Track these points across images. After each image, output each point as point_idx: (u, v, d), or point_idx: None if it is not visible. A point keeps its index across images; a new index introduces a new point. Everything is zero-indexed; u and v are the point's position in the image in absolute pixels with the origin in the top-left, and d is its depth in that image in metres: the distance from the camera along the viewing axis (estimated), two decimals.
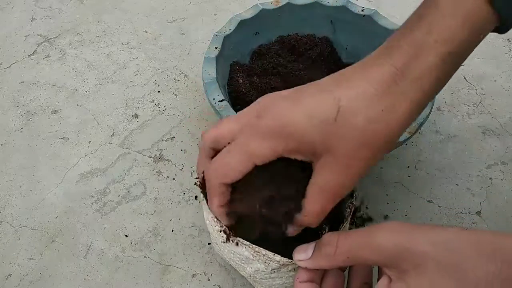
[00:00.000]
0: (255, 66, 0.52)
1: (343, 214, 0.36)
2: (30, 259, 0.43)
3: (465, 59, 0.29)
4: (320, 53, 0.54)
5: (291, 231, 0.30)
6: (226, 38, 0.50)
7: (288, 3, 0.54)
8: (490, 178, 0.48)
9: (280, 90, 0.50)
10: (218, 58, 0.48)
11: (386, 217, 0.45)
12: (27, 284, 0.42)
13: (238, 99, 0.50)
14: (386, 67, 0.27)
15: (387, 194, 0.47)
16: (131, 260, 0.43)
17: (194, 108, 0.55)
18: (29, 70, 0.60)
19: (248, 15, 0.52)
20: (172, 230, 0.45)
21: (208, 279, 0.42)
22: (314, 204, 0.29)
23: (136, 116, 0.55)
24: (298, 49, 0.54)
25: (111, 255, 0.43)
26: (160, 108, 0.55)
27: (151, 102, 0.56)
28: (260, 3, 0.53)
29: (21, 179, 0.49)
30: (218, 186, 0.29)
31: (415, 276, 0.25)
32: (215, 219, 0.32)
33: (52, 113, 0.55)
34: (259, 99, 0.30)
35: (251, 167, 0.28)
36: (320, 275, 0.31)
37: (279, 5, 0.53)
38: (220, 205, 0.30)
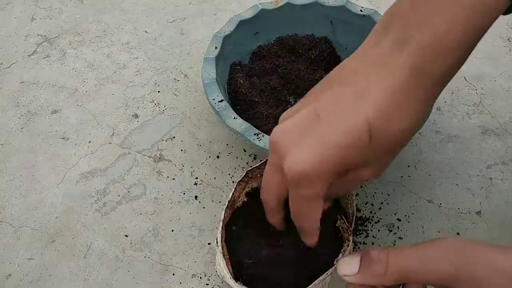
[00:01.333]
0: (255, 67, 0.53)
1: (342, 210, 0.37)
2: (30, 259, 0.43)
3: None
4: (319, 53, 0.54)
5: None
6: (226, 38, 0.50)
7: (287, 3, 0.54)
8: (490, 178, 0.48)
9: (280, 90, 0.51)
10: (218, 58, 0.48)
11: (386, 217, 0.45)
12: (27, 284, 0.42)
13: (238, 99, 0.50)
14: (403, 65, 0.26)
15: (388, 194, 0.47)
16: (131, 260, 0.43)
17: (194, 108, 0.55)
18: (29, 70, 0.60)
19: (247, 15, 0.52)
20: (172, 230, 0.45)
21: (208, 279, 0.42)
22: (344, 190, 0.31)
23: (136, 116, 0.55)
24: (298, 50, 0.54)
25: (111, 255, 0.43)
26: (160, 108, 0.55)
27: (151, 102, 0.56)
28: (259, 3, 0.53)
29: (21, 179, 0.49)
30: (313, 227, 0.31)
31: None
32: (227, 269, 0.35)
33: (52, 113, 0.55)
34: (273, 142, 0.29)
35: (322, 201, 0.29)
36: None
37: (278, 5, 0.53)
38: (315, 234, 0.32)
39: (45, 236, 0.45)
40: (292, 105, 0.44)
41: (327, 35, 0.55)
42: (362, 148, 0.26)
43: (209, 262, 0.43)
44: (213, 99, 0.44)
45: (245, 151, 0.50)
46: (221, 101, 0.44)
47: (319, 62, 0.54)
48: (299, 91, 0.51)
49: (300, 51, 0.54)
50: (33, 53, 0.62)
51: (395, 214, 0.46)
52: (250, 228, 0.39)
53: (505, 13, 0.27)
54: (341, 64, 0.29)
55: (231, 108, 0.43)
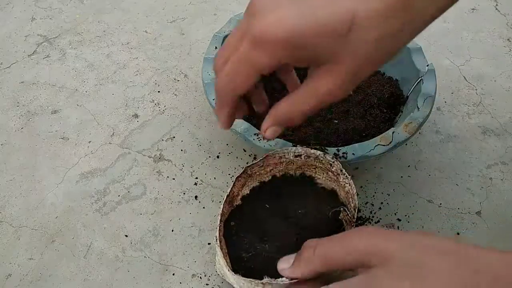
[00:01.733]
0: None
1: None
2: (30, 259, 0.43)
3: None
4: None
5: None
6: (226, 38, 0.50)
7: None
8: (490, 178, 0.48)
9: (279, 90, 0.51)
10: None
11: (386, 217, 0.45)
12: (27, 284, 0.42)
13: None
14: None
15: (388, 194, 0.47)
16: (131, 260, 0.43)
17: (194, 108, 0.55)
18: (29, 70, 0.60)
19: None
20: (172, 230, 0.45)
21: (208, 279, 0.42)
22: (304, 103, 0.29)
23: (136, 116, 0.55)
24: None
25: (111, 255, 0.43)
26: (160, 108, 0.55)
27: (151, 102, 0.56)
28: None
29: (21, 179, 0.49)
30: (230, 98, 0.30)
31: (380, 268, 0.26)
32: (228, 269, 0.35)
33: (52, 113, 0.55)
34: (251, 3, 0.27)
35: (257, 79, 0.28)
36: None
37: None
38: (230, 115, 0.31)
39: (45, 236, 0.45)
40: None
41: None
42: (337, 35, 0.26)
43: (209, 262, 0.43)
44: (213, 99, 0.44)
45: (245, 151, 0.50)
46: None
47: None
48: None
49: None
50: (33, 53, 0.62)
51: (395, 214, 0.46)
52: (249, 224, 0.39)
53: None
54: None
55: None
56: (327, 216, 0.38)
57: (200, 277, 0.42)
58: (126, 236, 0.44)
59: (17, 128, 0.54)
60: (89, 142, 0.52)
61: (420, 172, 0.49)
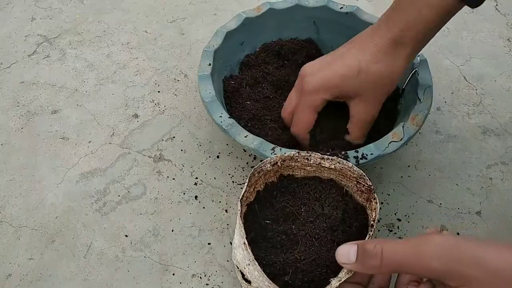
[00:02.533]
0: (246, 77, 0.52)
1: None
2: (30, 259, 0.43)
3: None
4: (306, 56, 0.54)
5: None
6: (216, 52, 0.49)
7: (269, 8, 0.53)
8: (490, 178, 0.48)
9: (272, 98, 0.52)
10: (212, 74, 0.47)
11: (386, 217, 0.45)
12: (27, 284, 0.42)
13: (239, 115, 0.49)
14: (387, 34, 0.39)
15: (388, 194, 0.47)
16: (131, 260, 0.43)
17: (194, 108, 0.55)
18: (29, 70, 0.60)
19: (233, 25, 0.52)
20: (172, 230, 0.45)
21: (208, 279, 0.42)
22: (357, 131, 0.44)
23: (136, 116, 0.55)
24: (284, 55, 0.54)
25: (111, 255, 0.43)
26: (160, 108, 0.55)
27: (151, 102, 0.56)
28: (242, 12, 0.53)
29: (21, 179, 0.49)
30: (304, 132, 0.44)
31: None
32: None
33: (52, 113, 0.55)
34: (301, 72, 0.44)
35: (316, 115, 0.43)
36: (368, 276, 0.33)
37: (261, 12, 0.53)
38: (307, 139, 0.44)
39: (45, 236, 0.45)
40: None
41: (311, 36, 0.56)
42: (352, 78, 0.40)
43: (209, 262, 0.43)
44: (220, 116, 0.44)
45: (245, 151, 0.50)
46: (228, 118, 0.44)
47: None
48: None
49: (286, 55, 0.54)
50: (33, 53, 0.62)
51: (395, 214, 0.46)
52: (268, 213, 0.39)
53: (472, 6, 0.38)
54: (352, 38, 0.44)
55: (238, 125, 0.43)
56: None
57: (200, 277, 0.42)
58: (126, 236, 0.44)
59: (17, 128, 0.54)
60: (89, 142, 0.52)
61: (420, 172, 0.49)
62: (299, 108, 0.44)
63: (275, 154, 0.41)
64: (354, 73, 0.40)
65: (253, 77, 0.52)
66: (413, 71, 0.47)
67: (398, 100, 0.49)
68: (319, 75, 0.42)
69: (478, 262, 0.26)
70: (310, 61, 0.54)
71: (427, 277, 0.27)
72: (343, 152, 0.41)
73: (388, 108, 0.48)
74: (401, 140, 0.41)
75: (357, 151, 0.41)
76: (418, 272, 0.28)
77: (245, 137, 0.42)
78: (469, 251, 0.26)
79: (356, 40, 0.42)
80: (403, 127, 0.42)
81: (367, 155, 0.41)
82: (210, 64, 0.48)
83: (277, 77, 0.52)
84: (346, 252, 0.30)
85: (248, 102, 0.49)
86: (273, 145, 0.42)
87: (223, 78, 0.51)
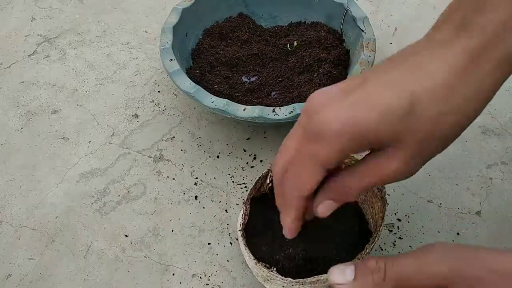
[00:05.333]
0: (202, 64, 0.54)
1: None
2: (30, 259, 0.43)
3: None
4: (244, 32, 0.57)
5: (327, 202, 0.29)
6: (173, 48, 0.50)
7: None
8: (490, 178, 0.48)
9: (232, 76, 0.55)
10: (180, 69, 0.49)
11: (386, 217, 0.45)
12: (27, 284, 0.42)
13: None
14: (459, 49, 0.24)
15: (388, 194, 0.47)
16: (131, 260, 0.43)
17: (194, 108, 0.55)
18: (29, 70, 0.60)
19: (175, 20, 0.53)
20: (172, 230, 0.45)
21: (208, 279, 0.42)
22: (364, 179, 0.27)
23: (136, 116, 0.55)
24: (225, 34, 0.57)
25: (111, 255, 0.43)
26: (160, 108, 0.55)
27: (151, 102, 0.56)
28: (177, 5, 0.54)
29: (21, 179, 0.49)
30: (296, 199, 0.28)
31: None
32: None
33: (52, 113, 0.55)
34: (307, 105, 0.27)
35: (322, 174, 0.27)
36: None
37: (192, 1, 0.55)
38: (296, 218, 0.29)
39: (45, 236, 0.45)
40: (247, 85, 0.53)
41: (241, 11, 0.59)
42: (397, 119, 0.24)
43: (209, 262, 0.43)
44: (186, 84, 0.46)
45: (245, 151, 0.50)
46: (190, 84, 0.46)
47: (249, 39, 0.57)
48: (247, 69, 0.55)
49: (228, 34, 0.57)
50: (33, 53, 0.62)
51: (395, 214, 0.46)
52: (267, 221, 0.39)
53: None
54: (399, 50, 0.28)
55: (204, 90, 0.46)
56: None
57: (200, 277, 0.42)
58: (126, 236, 0.44)
59: (17, 128, 0.54)
60: (89, 142, 0.52)
61: (420, 172, 0.49)
62: (297, 159, 0.27)
63: (245, 110, 0.44)
64: (401, 112, 0.24)
65: (207, 63, 0.54)
66: (346, 10, 0.52)
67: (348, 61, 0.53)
68: (342, 111, 0.25)
69: (483, 263, 0.25)
70: (248, 34, 0.58)
71: (433, 287, 0.26)
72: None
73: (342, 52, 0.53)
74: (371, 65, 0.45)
75: None
76: (423, 281, 0.26)
77: (212, 101, 0.45)
78: (471, 252, 0.26)
79: (405, 54, 0.27)
80: (363, 55, 0.46)
81: None
82: (172, 60, 0.49)
83: (228, 57, 0.54)
84: (341, 272, 0.28)
85: (216, 86, 0.51)
86: (243, 106, 0.44)
87: (185, 71, 0.52)
